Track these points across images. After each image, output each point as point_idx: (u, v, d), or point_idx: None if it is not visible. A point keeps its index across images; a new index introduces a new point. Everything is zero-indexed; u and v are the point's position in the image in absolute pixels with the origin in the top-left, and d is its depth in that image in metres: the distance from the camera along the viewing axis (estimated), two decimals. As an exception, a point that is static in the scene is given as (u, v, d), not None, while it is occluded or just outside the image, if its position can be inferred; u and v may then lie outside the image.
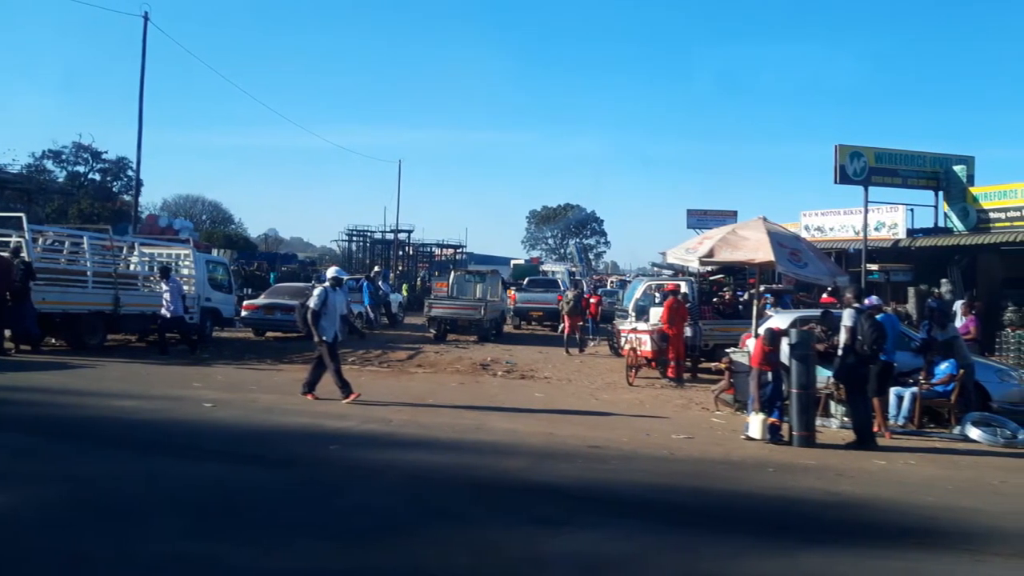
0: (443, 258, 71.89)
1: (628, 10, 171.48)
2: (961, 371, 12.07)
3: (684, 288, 19.38)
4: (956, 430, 11.67)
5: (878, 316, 11.29)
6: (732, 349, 14.71)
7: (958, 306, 17.76)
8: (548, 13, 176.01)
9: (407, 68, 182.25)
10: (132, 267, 20.61)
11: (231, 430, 10.12)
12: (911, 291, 24.54)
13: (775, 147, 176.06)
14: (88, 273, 18.20)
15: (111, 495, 6.88)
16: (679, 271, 25.04)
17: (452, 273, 31.49)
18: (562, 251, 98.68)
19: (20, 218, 17.49)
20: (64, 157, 66.70)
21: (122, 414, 10.72)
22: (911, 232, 26.98)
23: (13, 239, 16.64)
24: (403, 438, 10.07)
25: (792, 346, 10.68)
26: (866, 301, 11.41)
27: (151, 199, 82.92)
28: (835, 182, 26.27)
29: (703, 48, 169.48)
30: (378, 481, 7.86)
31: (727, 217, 42.15)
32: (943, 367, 12.28)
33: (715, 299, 21.14)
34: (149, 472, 7.79)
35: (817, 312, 14.40)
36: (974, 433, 11.30)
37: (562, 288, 32.40)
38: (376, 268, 37.87)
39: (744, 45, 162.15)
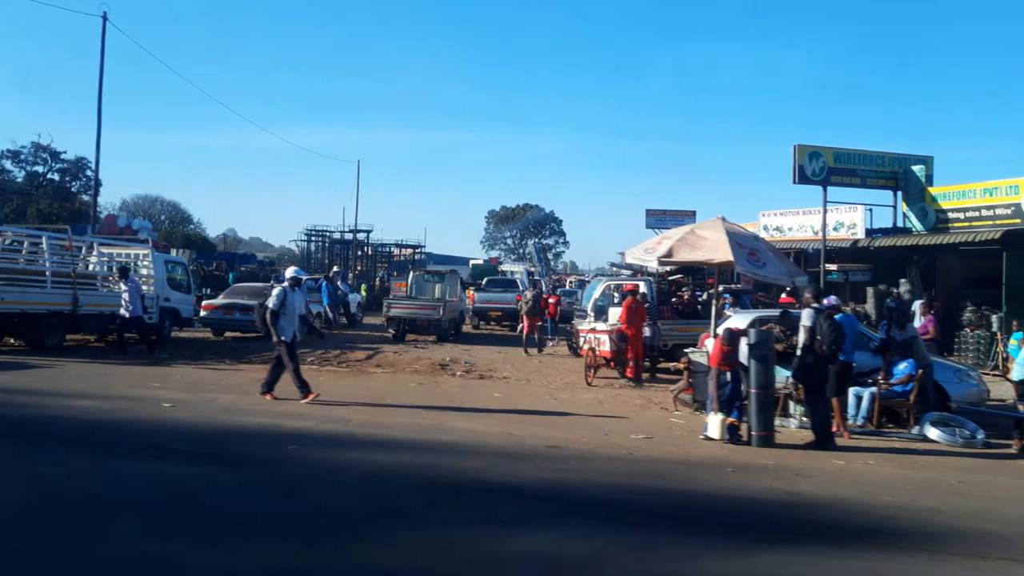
0: (402, 258, 71.36)
1: (583, 9, 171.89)
2: (920, 371, 12.15)
3: (643, 288, 19.40)
4: (915, 430, 11.76)
5: (837, 316, 11.34)
6: (691, 349, 14.73)
7: (917, 306, 17.95)
8: (502, 12, 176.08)
9: (364, 68, 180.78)
10: (91, 267, 20.35)
11: (190, 430, 10.00)
12: (870, 291, 24.77)
13: (733, 147, 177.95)
14: (47, 273, 18.08)
15: (69, 495, 6.80)
16: (638, 271, 25.17)
17: (411, 273, 31.29)
18: (521, 251, 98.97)
19: None
20: (23, 157, 65.93)
21: (81, 414, 10.65)
22: (870, 232, 27.23)
23: None
24: (362, 438, 10.00)
25: (751, 346, 10.72)
26: (825, 301, 11.44)
27: (110, 199, 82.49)
28: (794, 182, 26.53)
29: (659, 48, 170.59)
30: (337, 481, 7.82)
31: (686, 217, 42.31)
32: (902, 367, 12.34)
33: (674, 299, 21.31)
34: (108, 472, 7.73)
35: (776, 312, 14.50)
36: (933, 433, 11.39)
37: (521, 288, 32.32)
38: (335, 268, 37.48)
39: (700, 44, 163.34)
